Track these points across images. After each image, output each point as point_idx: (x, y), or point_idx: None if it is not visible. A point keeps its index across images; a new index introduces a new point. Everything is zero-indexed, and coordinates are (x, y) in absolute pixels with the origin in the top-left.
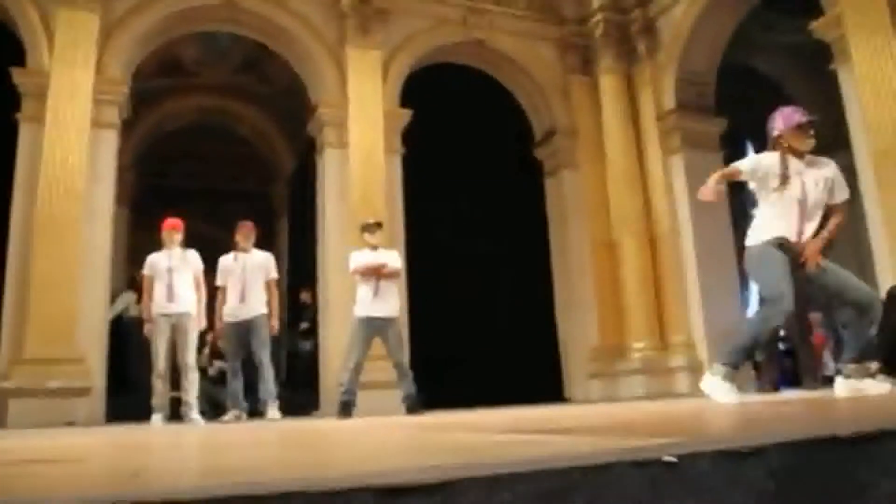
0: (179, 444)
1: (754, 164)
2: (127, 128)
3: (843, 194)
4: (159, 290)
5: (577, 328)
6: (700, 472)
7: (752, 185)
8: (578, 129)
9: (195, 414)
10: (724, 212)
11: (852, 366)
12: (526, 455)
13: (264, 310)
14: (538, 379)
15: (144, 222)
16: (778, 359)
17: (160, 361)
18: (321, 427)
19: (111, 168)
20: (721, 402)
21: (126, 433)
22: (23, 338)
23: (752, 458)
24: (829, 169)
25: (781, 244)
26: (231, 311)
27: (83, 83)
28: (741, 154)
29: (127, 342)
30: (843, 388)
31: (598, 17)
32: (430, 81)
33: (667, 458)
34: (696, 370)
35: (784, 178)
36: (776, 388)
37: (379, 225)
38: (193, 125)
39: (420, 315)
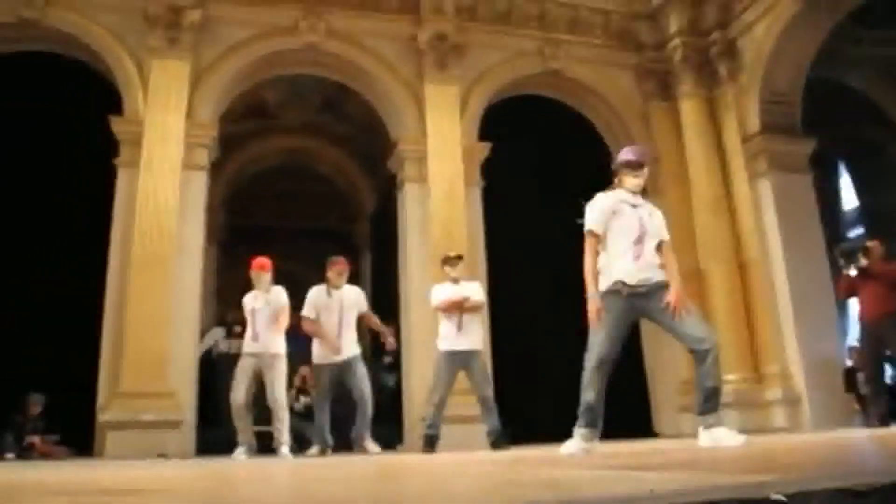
0: (265, 477)
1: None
2: (215, 169)
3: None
4: (248, 330)
5: (666, 359)
6: None
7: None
8: (660, 156)
9: (285, 449)
10: (818, 234)
11: None
12: (623, 491)
13: (357, 350)
14: (625, 412)
15: (232, 260)
16: (885, 393)
17: (238, 397)
18: (407, 461)
19: (201, 208)
20: (731, 444)
21: (214, 466)
22: (119, 372)
23: (869, 497)
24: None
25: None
26: (325, 353)
27: (175, 128)
28: (833, 175)
29: (216, 377)
30: None
31: (677, 41)
32: (508, 113)
33: (775, 497)
34: (793, 403)
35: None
36: (885, 423)
37: (460, 258)
38: (277, 165)
39: (503, 347)
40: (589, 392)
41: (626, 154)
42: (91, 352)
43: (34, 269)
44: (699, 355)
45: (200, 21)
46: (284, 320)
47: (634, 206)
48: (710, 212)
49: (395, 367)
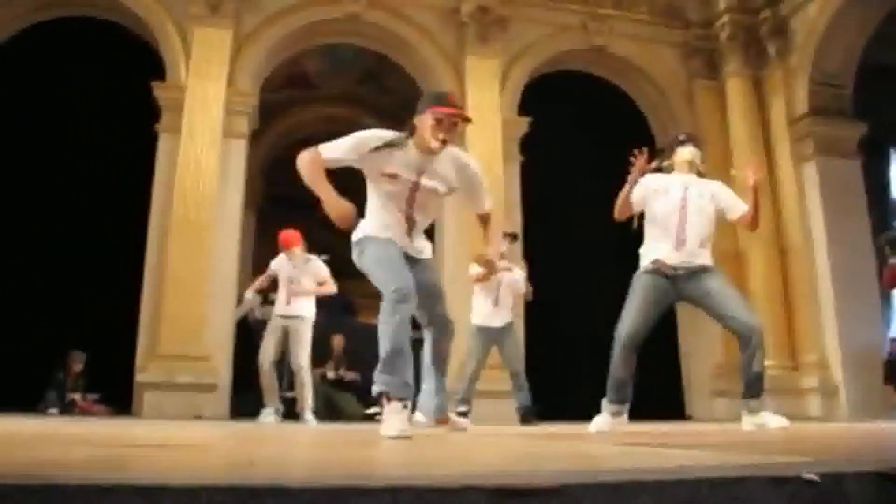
0: (294, 439)
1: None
2: (255, 137)
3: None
4: (280, 295)
5: (701, 343)
6: (846, 493)
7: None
8: (704, 136)
9: (308, 414)
10: (863, 221)
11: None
12: (650, 465)
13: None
14: (657, 395)
15: (269, 227)
16: None
17: (266, 358)
18: (436, 432)
19: (240, 176)
20: (776, 426)
21: (244, 427)
22: (157, 334)
23: None
24: None
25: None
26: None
27: (216, 96)
28: (883, 161)
29: (252, 343)
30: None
31: (725, 18)
32: (549, 88)
33: (807, 476)
34: (829, 393)
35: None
36: None
37: (514, 237)
38: (317, 134)
39: (535, 324)
40: (618, 366)
41: (675, 135)
42: (131, 313)
43: (77, 232)
44: (745, 339)
45: None
46: (329, 288)
47: (686, 187)
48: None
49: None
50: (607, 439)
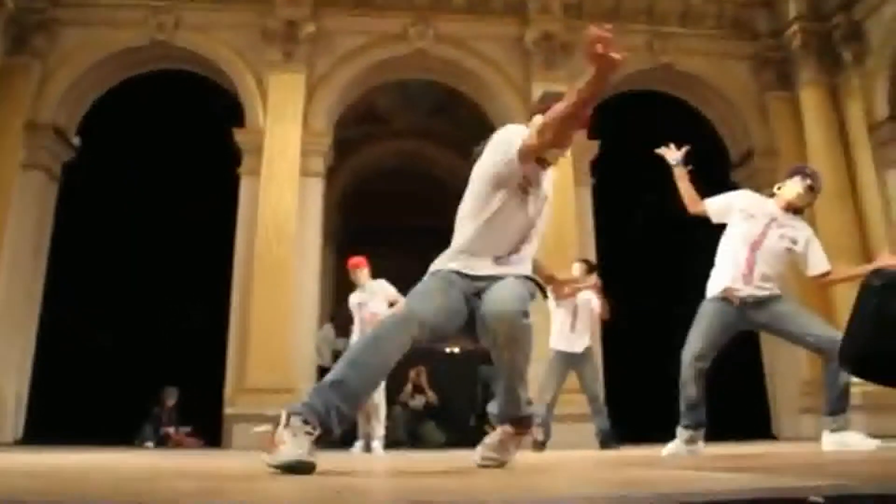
0: (375, 470)
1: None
2: (331, 174)
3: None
4: (355, 325)
5: (787, 358)
6: None
7: None
8: (779, 149)
9: (377, 443)
10: None
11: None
12: (670, 489)
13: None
14: (743, 414)
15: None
16: None
17: None
18: (515, 459)
19: (318, 212)
20: (862, 449)
21: (330, 457)
22: (244, 369)
23: None
24: None
25: None
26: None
27: (293, 138)
28: None
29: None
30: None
31: (795, 27)
32: (618, 109)
33: (813, 499)
34: None
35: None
36: None
37: (591, 268)
38: (390, 168)
39: (613, 346)
40: (689, 388)
41: (804, 166)
42: (220, 349)
43: (168, 273)
44: (829, 354)
45: (315, 33)
46: (400, 305)
47: (770, 222)
48: (834, 205)
49: None
50: (677, 464)
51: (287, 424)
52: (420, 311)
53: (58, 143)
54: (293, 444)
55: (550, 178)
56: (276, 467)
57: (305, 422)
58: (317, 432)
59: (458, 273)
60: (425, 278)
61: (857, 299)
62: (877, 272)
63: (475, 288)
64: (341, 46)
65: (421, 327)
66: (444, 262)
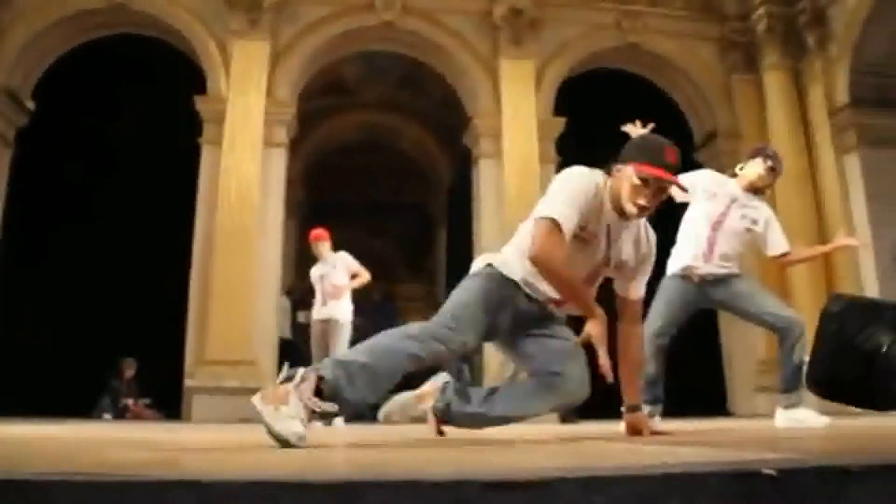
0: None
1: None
2: (294, 145)
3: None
4: (316, 297)
5: (743, 338)
6: (801, 488)
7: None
8: (742, 130)
9: (339, 420)
10: None
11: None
12: (627, 461)
13: None
14: (699, 391)
15: None
16: None
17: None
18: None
19: (281, 184)
20: (813, 425)
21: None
22: (205, 340)
23: (859, 478)
24: None
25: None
26: None
27: (256, 107)
28: None
29: (297, 347)
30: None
31: (762, 11)
32: (582, 88)
33: (766, 471)
34: None
35: None
36: None
37: None
38: (356, 141)
39: (577, 322)
40: (648, 365)
41: (765, 146)
42: (179, 321)
43: (126, 243)
44: (783, 332)
45: (280, 1)
46: (363, 278)
47: (731, 202)
48: (793, 189)
49: None
50: (632, 438)
51: (299, 385)
52: (468, 338)
53: (11, 108)
54: (294, 413)
55: (643, 229)
56: (272, 435)
57: (318, 393)
58: (322, 408)
59: (517, 285)
60: (484, 283)
61: (819, 324)
62: (835, 298)
63: (527, 307)
64: (307, 15)
65: (463, 346)
66: (510, 268)
